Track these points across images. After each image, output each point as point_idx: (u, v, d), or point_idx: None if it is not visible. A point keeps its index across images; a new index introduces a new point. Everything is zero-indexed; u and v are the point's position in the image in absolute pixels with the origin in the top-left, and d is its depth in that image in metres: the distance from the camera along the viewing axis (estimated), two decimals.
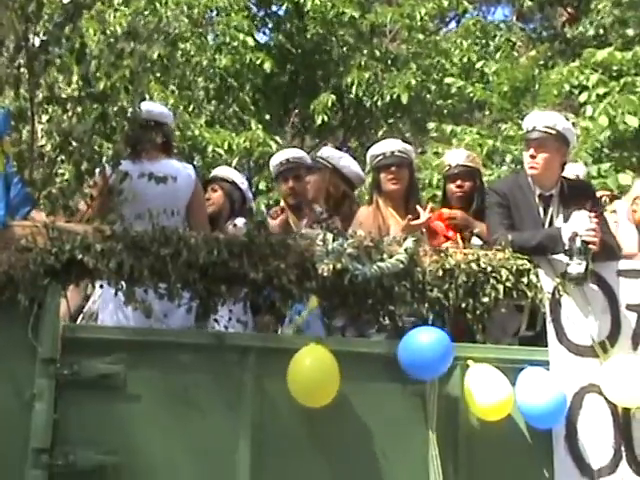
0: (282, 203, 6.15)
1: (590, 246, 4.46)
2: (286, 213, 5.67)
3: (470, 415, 4.31)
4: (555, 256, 4.57)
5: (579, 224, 4.51)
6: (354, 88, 11.66)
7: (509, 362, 4.39)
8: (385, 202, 5.29)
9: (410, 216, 4.93)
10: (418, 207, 5.07)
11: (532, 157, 4.85)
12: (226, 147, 10.53)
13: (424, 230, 5.08)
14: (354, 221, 5.23)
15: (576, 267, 4.45)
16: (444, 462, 4.17)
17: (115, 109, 4.66)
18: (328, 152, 5.81)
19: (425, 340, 4.13)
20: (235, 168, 7.76)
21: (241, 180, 6.19)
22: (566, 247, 4.50)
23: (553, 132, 4.85)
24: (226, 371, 4.11)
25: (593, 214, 4.54)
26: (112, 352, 3.99)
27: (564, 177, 5.00)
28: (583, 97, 9.75)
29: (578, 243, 4.46)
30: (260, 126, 11.16)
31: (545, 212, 4.87)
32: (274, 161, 6.07)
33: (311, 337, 4.27)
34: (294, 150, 6.42)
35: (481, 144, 10.04)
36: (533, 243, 4.59)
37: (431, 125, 10.82)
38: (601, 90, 9.58)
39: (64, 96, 4.73)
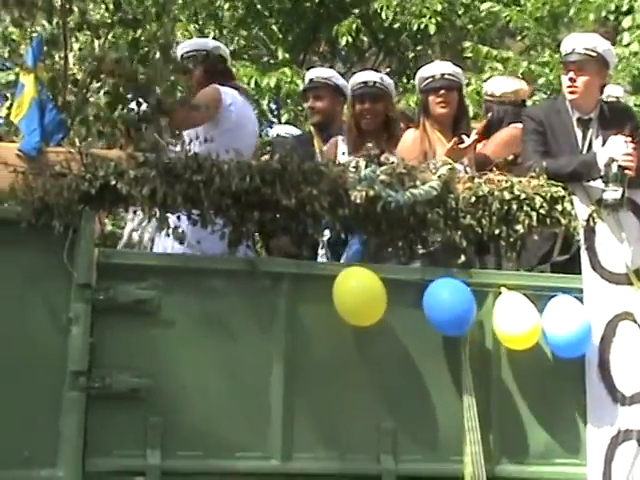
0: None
1: (626, 172, 4.41)
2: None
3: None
4: (590, 183, 4.53)
5: (615, 149, 4.44)
6: (383, 12, 11.40)
7: (542, 289, 4.39)
8: (432, 126, 5.15)
9: (456, 139, 4.84)
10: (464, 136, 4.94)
11: (571, 80, 4.75)
12: (253, 85, 10.44)
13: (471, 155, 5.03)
14: (400, 144, 5.16)
15: (612, 193, 4.41)
16: (477, 388, 4.20)
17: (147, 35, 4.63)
18: (387, 79, 5.67)
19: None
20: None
21: None
22: (602, 173, 4.46)
23: (593, 54, 4.74)
24: (260, 297, 4.13)
25: (630, 139, 4.47)
26: (147, 278, 4.02)
27: (603, 100, 4.91)
28: (627, 22, 9.43)
29: (614, 169, 4.42)
30: (287, 55, 11.01)
31: (584, 136, 4.79)
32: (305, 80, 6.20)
33: (344, 264, 4.28)
34: (320, 70, 6.37)
35: (516, 65, 9.87)
36: (568, 170, 4.54)
37: (467, 44, 10.58)
38: None
39: (96, 22, 4.69)
